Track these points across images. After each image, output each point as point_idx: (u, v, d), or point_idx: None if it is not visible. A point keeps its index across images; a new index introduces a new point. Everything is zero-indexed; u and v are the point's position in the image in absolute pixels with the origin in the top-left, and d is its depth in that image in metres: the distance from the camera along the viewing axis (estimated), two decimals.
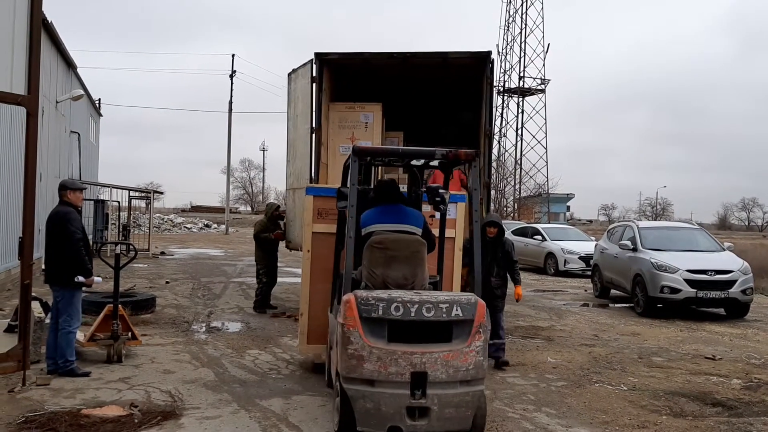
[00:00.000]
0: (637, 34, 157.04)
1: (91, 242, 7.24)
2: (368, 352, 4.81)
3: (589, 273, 16.90)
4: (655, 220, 67.08)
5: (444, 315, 4.89)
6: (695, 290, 11.91)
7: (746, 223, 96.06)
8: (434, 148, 5.46)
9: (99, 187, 26.14)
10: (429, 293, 5.10)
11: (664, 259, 12.38)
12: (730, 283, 12.04)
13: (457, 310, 4.90)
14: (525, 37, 61.80)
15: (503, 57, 62.38)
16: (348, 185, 5.63)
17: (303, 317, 7.02)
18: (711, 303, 12.30)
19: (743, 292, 12.10)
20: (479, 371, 4.97)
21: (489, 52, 10.16)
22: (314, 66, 10.31)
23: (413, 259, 5.56)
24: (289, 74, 11.38)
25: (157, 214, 49.53)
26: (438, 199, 6.10)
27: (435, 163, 6.00)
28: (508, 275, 8.18)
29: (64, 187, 7.03)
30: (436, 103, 12.11)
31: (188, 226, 49.97)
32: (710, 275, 12.06)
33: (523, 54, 61.75)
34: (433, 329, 4.91)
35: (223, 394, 6.31)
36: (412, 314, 4.84)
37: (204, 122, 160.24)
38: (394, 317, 4.84)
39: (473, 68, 10.49)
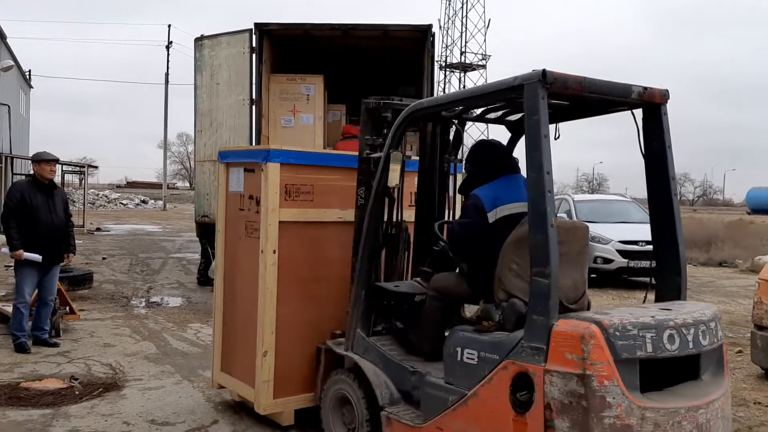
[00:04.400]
0: (572, 13, 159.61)
1: None
2: (639, 417, 2.95)
3: None
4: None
5: (716, 340, 3.33)
6: (627, 260, 12.36)
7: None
8: (630, 84, 3.65)
9: (29, 161, 25.31)
10: (692, 307, 3.45)
11: (598, 231, 12.74)
12: None
13: (719, 330, 3.36)
14: (466, 12, 62.01)
15: (445, 31, 62.42)
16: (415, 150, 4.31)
17: (268, 357, 4.56)
18: (642, 272, 12.79)
19: None
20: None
21: (430, 26, 10.22)
22: (254, 36, 10.18)
23: (582, 256, 3.77)
24: (198, 41, 10.98)
25: (92, 190, 48.19)
26: None
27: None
28: None
29: (31, 161, 7.02)
30: (378, 77, 12.09)
31: (124, 202, 48.78)
32: (641, 245, 12.50)
33: (464, 29, 62.08)
34: (677, 364, 3.27)
35: (165, 366, 6.29)
36: (690, 345, 3.17)
37: (140, 95, 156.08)
38: (666, 353, 3.09)
39: (415, 41, 10.52)
